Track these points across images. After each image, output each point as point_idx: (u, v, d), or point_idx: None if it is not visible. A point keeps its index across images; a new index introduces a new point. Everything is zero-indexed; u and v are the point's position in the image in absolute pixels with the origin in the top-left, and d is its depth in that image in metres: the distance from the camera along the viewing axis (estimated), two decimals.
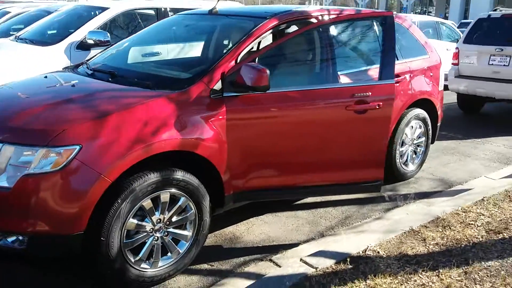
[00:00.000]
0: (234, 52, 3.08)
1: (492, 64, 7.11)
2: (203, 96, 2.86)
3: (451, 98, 8.51)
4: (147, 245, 2.67)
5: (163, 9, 6.04)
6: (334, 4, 45.81)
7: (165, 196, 2.67)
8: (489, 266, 2.88)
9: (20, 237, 2.41)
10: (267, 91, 2.90)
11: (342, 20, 3.64)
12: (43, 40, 5.61)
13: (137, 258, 2.63)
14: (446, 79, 7.17)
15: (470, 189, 4.24)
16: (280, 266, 2.92)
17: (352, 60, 3.68)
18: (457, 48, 7.65)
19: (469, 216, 3.58)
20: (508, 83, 6.89)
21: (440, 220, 3.50)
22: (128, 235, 2.59)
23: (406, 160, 4.56)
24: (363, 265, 2.86)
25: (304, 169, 3.27)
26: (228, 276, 2.87)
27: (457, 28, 13.80)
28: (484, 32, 7.41)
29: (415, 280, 2.72)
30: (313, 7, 3.67)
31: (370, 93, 3.31)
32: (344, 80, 3.42)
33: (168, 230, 2.75)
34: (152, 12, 6.08)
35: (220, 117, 2.87)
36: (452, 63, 7.66)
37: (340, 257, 2.95)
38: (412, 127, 4.52)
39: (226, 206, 3.08)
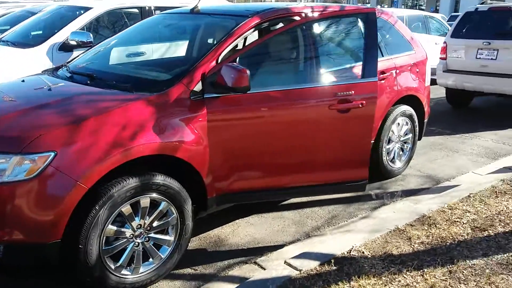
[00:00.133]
0: (214, 52, 3.02)
1: (480, 58, 7.09)
2: (183, 98, 2.82)
3: (439, 92, 8.51)
4: (127, 251, 2.62)
5: (147, 8, 5.97)
6: (326, 1, 45.71)
7: (145, 201, 2.63)
8: (474, 264, 2.87)
9: None
10: (248, 92, 2.86)
11: (325, 18, 3.59)
12: (25, 42, 5.51)
13: (118, 264, 2.59)
14: (434, 74, 7.14)
15: (457, 186, 4.23)
16: (264, 269, 2.89)
17: (335, 58, 3.63)
18: (444, 42, 7.61)
19: (455, 214, 3.56)
20: (495, 77, 6.87)
21: (426, 218, 3.48)
22: (107, 242, 2.54)
23: (393, 158, 4.54)
24: (348, 266, 2.84)
25: (288, 170, 3.23)
26: (211, 280, 2.83)
27: (447, 21, 13.81)
28: (471, 26, 7.38)
29: (399, 281, 2.70)
30: (296, 4, 3.61)
31: (352, 92, 3.28)
32: (327, 78, 3.37)
33: (149, 235, 2.71)
34: (136, 10, 6.00)
35: (201, 119, 2.83)
36: (440, 58, 7.63)
37: (325, 258, 2.92)
38: (398, 124, 4.49)
39: (209, 209, 3.04)
